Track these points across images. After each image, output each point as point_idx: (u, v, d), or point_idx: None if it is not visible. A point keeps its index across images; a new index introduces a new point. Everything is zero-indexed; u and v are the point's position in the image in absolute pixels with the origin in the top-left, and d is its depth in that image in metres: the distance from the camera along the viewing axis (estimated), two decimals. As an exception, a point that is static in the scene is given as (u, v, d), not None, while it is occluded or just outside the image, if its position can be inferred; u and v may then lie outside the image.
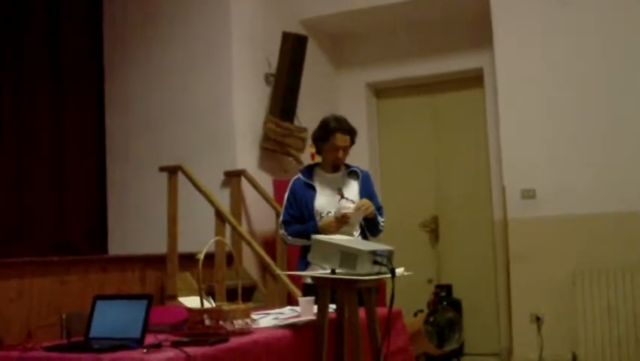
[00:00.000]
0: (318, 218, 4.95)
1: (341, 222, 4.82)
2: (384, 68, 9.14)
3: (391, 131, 9.34)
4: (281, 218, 5.11)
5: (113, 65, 8.21)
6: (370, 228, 5.01)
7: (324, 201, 4.99)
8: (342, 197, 4.98)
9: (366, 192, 5.08)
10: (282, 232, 5.08)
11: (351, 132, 5.04)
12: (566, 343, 7.44)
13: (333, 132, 4.98)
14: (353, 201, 4.95)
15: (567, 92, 7.66)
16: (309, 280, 4.88)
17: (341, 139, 4.97)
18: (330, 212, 4.93)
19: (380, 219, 5.03)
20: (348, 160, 5.20)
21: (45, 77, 7.67)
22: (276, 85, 7.83)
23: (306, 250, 4.86)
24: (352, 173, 5.12)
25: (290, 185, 5.15)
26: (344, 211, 4.82)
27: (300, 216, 5.01)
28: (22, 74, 7.47)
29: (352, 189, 5.06)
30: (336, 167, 5.10)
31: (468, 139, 8.88)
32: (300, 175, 5.13)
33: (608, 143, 7.47)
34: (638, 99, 7.39)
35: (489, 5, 7.98)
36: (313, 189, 5.03)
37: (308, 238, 4.82)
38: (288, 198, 5.11)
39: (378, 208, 5.07)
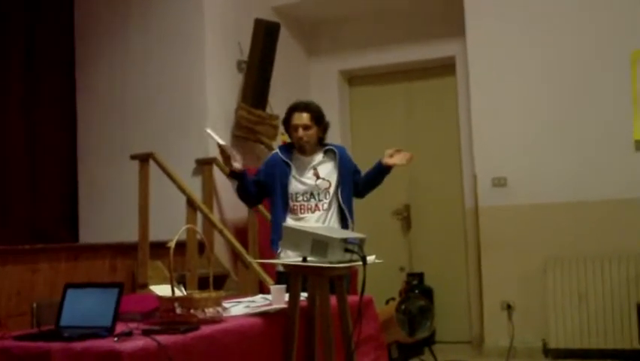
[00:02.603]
0: (292, 200, 5.01)
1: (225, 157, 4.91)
2: (357, 55, 9.14)
3: (363, 118, 9.35)
4: None
5: (84, 54, 8.15)
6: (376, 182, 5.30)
7: (300, 183, 5.04)
8: (318, 177, 5.03)
9: (347, 166, 5.15)
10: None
11: (309, 110, 5.09)
12: (536, 330, 7.50)
13: (290, 112, 5.11)
14: (329, 182, 5.03)
15: (539, 80, 7.70)
16: (282, 268, 4.89)
17: (297, 117, 5.06)
18: (306, 192, 5.02)
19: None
20: None
21: (17, 66, 7.62)
22: (248, 72, 7.81)
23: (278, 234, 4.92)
24: (328, 151, 5.15)
25: (267, 158, 5.25)
26: (219, 142, 4.93)
27: (262, 184, 5.08)
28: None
29: (329, 168, 5.11)
30: (312, 149, 5.12)
31: (440, 127, 8.89)
32: (277, 151, 5.17)
33: (580, 131, 7.51)
34: (612, 88, 7.43)
35: (461, -7, 8.01)
36: (288, 166, 5.07)
37: (245, 189, 4.99)
38: (258, 168, 5.21)
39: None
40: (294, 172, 5.04)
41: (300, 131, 5.04)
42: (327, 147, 5.15)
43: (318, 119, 5.10)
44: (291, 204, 5.02)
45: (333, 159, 5.12)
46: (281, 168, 5.06)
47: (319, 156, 5.13)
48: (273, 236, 5.01)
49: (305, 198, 5.00)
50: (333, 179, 5.05)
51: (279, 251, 4.87)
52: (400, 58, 8.92)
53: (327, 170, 5.08)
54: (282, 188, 5.02)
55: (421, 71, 9.06)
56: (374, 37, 9.05)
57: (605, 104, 7.45)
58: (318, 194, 5.02)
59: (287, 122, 5.14)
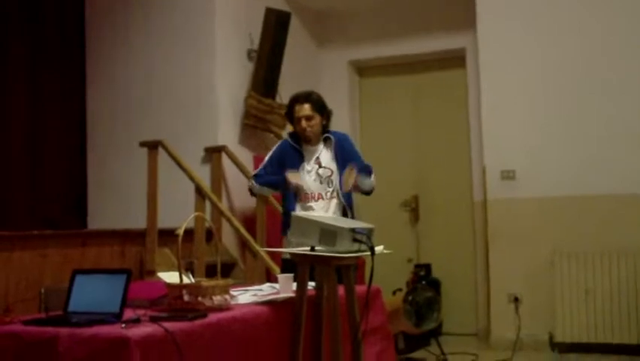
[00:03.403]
0: (301, 190, 5.06)
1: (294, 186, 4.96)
2: (367, 46, 9.13)
3: (373, 109, 9.34)
4: (254, 172, 5.19)
5: (95, 40, 8.14)
6: (362, 192, 5.11)
7: (305, 172, 5.11)
8: (320, 166, 5.10)
9: (345, 154, 5.15)
10: (250, 183, 5.24)
11: (310, 100, 5.14)
12: (543, 323, 7.49)
13: (292, 105, 5.20)
14: (330, 170, 5.07)
15: (549, 74, 7.68)
16: (288, 255, 4.90)
17: (299, 108, 5.14)
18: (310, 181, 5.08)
19: (367, 181, 5.06)
20: None
21: (25, 53, 7.60)
22: (258, 61, 7.79)
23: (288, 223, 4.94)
24: (326, 139, 5.18)
25: (276, 145, 5.29)
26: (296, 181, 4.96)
27: (275, 174, 5.11)
28: (0, 49, 7.41)
29: (328, 156, 5.17)
30: (316, 139, 5.18)
31: (449, 119, 8.88)
32: (288, 138, 5.20)
33: (590, 125, 7.49)
34: (621, 82, 7.41)
35: (473, -15, 7.98)
36: (301, 154, 5.14)
37: (275, 187, 4.94)
38: (270, 155, 5.25)
39: (364, 167, 5.13)
40: (304, 160, 5.08)
41: (304, 123, 5.10)
42: (325, 135, 5.18)
43: (320, 108, 5.14)
44: (300, 195, 5.06)
45: (330, 146, 5.16)
46: (292, 155, 5.10)
47: (321, 145, 5.17)
48: (285, 222, 5.07)
49: (310, 188, 5.04)
50: (334, 167, 5.08)
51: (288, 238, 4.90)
52: (411, 49, 8.91)
53: (327, 158, 5.12)
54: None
55: (431, 62, 9.04)
56: (385, 28, 9.03)
57: (613, 99, 7.43)
58: (321, 182, 5.06)
59: (290, 114, 5.21)
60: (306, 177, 5.08)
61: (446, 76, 9.00)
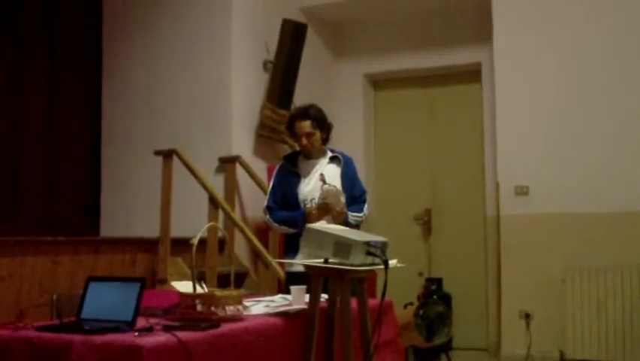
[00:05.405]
0: (302, 206, 5.02)
1: (323, 209, 4.86)
2: (383, 59, 9.13)
3: (387, 122, 9.34)
4: (265, 203, 5.17)
5: (111, 45, 8.19)
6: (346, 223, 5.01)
7: (307, 189, 5.06)
8: (325, 183, 5.03)
9: (348, 177, 5.14)
10: (267, 217, 5.15)
11: (310, 117, 5.09)
12: (554, 340, 7.46)
13: (292, 121, 5.16)
14: (335, 187, 5.00)
15: (565, 90, 7.67)
16: (294, 268, 4.93)
17: (299, 126, 5.08)
18: (313, 198, 5.00)
19: (354, 215, 5.03)
20: (340, 147, 5.25)
21: (42, 54, 7.66)
22: (274, 72, 7.81)
23: (291, 237, 5.01)
24: (334, 158, 5.18)
25: (275, 171, 5.25)
26: (325, 200, 4.88)
27: (283, 202, 5.08)
28: (18, 49, 7.46)
29: (334, 174, 5.11)
30: (317, 153, 5.15)
31: (464, 134, 8.87)
32: (284, 161, 5.19)
33: (604, 142, 7.48)
34: (637, 99, 7.40)
35: (490, -1, 7.99)
36: (297, 175, 5.11)
37: (294, 226, 4.90)
38: (273, 184, 5.21)
39: (361, 194, 5.16)
40: (302, 179, 5.08)
41: (304, 140, 5.08)
42: (333, 154, 5.18)
43: (320, 123, 5.11)
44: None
45: (338, 166, 5.14)
46: (289, 178, 5.09)
47: (325, 161, 5.16)
48: (286, 247, 5.11)
49: (313, 204, 5.01)
50: (339, 184, 5.05)
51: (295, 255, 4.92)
52: (426, 63, 8.91)
53: (332, 175, 5.09)
54: (294, 198, 5.05)
55: (446, 76, 9.04)
56: (400, 42, 9.04)
57: (632, 116, 7.42)
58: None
59: (290, 129, 5.18)
60: (306, 191, 5.06)
61: (461, 90, 8.99)
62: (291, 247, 5.05)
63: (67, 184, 7.75)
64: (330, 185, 4.99)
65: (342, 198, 4.88)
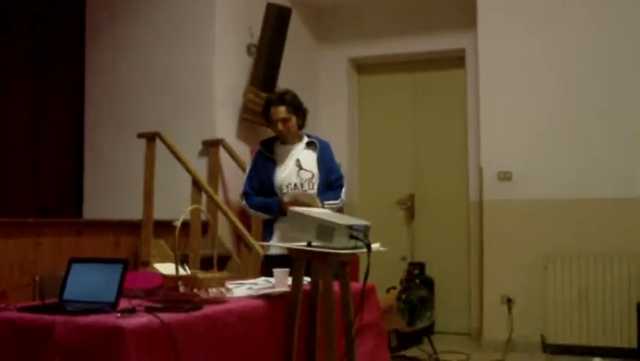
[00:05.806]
0: (278, 192, 5.05)
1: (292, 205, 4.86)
2: (367, 44, 9.13)
3: (371, 107, 9.34)
4: (242, 189, 5.19)
5: (95, 30, 8.14)
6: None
7: (284, 174, 5.09)
8: (301, 168, 5.07)
9: (325, 162, 5.16)
10: (243, 203, 5.20)
11: (285, 102, 5.12)
12: (535, 325, 7.50)
13: (267, 106, 5.18)
14: (312, 172, 5.04)
15: (549, 76, 7.69)
16: (272, 252, 5.00)
17: (274, 111, 5.11)
18: (290, 184, 5.05)
19: (330, 203, 5.03)
20: (324, 131, 5.26)
21: (24, 40, 7.61)
22: (257, 56, 7.79)
23: (269, 221, 5.07)
24: (310, 143, 5.20)
25: (252, 157, 5.30)
26: (296, 192, 4.95)
27: (260, 188, 5.12)
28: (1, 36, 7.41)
29: (310, 159, 5.13)
30: (293, 138, 5.17)
31: (447, 119, 8.89)
32: (260, 148, 5.20)
33: (588, 129, 7.51)
34: (621, 86, 7.43)
35: (474, -15, 7.99)
36: (273, 162, 5.13)
37: (269, 212, 4.94)
38: (250, 170, 5.25)
39: (337, 178, 5.19)
40: (279, 164, 5.10)
41: (280, 125, 5.10)
42: (310, 139, 5.18)
43: (296, 108, 5.13)
44: (279, 195, 5.04)
45: (314, 151, 5.15)
46: (265, 165, 5.11)
47: (301, 146, 5.18)
48: (265, 232, 5.13)
49: (290, 189, 5.03)
50: (315, 170, 5.07)
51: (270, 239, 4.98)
52: (410, 48, 8.92)
53: (308, 160, 5.10)
54: (270, 185, 5.08)
55: (430, 61, 9.06)
56: (385, 27, 9.04)
57: (612, 102, 7.45)
58: (302, 185, 5.05)
59: (265, 114, 5.19)
60: (282, 177, 5.08)
61: (445, 76, 9.01)
62: (269, 230, 5.09)
63: (50, 171, 7.72)
64: (306, 170, 5.03)
65: (317, 202, 4.88)
